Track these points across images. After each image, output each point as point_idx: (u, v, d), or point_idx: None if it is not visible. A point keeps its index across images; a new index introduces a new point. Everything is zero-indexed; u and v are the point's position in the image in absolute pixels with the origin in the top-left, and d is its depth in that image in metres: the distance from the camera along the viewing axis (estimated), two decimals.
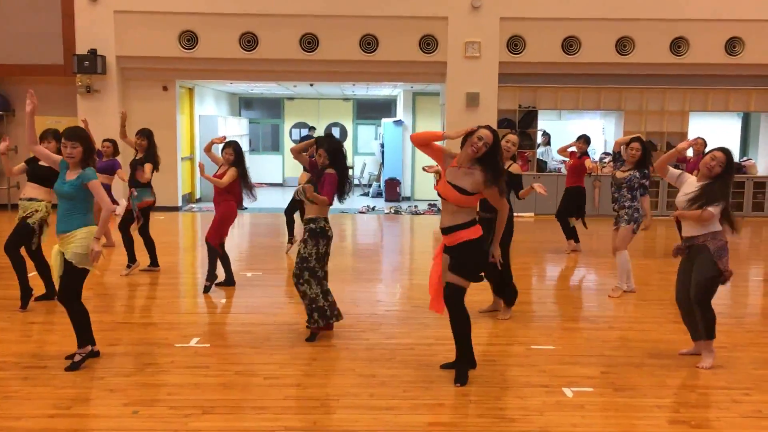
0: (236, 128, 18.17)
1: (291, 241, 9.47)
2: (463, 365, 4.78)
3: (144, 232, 8.06)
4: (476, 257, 4.68)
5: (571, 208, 9.73)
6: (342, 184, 5.61)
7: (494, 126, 13.49)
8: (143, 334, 5.82)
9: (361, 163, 19.53)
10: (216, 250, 7.29)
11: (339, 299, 7.01)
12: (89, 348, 5.00)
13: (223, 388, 4.65)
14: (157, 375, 4.86)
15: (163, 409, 4.25)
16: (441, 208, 4.77)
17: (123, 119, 8.42)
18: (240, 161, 7.23)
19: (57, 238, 4.89)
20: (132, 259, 8.06)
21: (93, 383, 4.68)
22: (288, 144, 20.71)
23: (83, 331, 4.96)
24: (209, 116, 16.38)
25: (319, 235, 5.53)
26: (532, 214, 13.80)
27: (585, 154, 9.67)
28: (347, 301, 6.75)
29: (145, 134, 8.10)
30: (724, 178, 4.98)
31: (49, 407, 4.26)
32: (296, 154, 6.13)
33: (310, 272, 5.53)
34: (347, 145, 20.62)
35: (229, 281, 7.45)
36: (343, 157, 5.66)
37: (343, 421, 4.13)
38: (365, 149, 20.36)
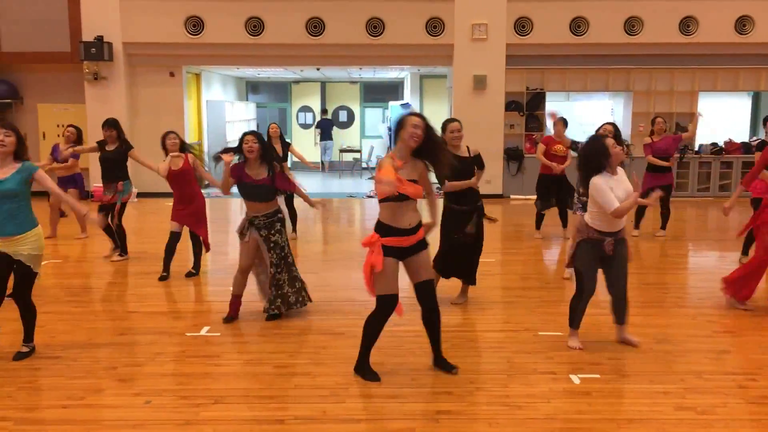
0: (243, 112, 18.18)
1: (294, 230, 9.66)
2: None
3: (119, 221, 8.18)
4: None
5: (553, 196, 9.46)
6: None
7: (502, 108, 13.56)
8: (153, 323, 5.89)
9: (368, 147, 19.50)
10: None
11: (346, 286, 7.11)
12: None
13: (234, 377, 4.71)
14: (167, 364, 4.93)
15: (174, 399, 4.31)
16: (396, 211, 4.42)
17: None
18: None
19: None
20: (116, 243, 8.25)
21: (105, 373, 4.74)
22: (295, 128, 20.69)
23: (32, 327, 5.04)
24: (216, 101, 16.39)
25: (283, 222, 5.89)
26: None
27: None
28: (355, 289, 6.79)
29: (112, 124, 8.10)
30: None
31: (62, 398, 4.33)
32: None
33: (285, 260, 5.84)
34: (355, 127, 20.62)
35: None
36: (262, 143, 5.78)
37: (352, 410, 4.18)
38: (372, 132, 20.34)
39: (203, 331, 5.61)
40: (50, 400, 4.31)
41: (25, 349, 5.01)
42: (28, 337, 5.04)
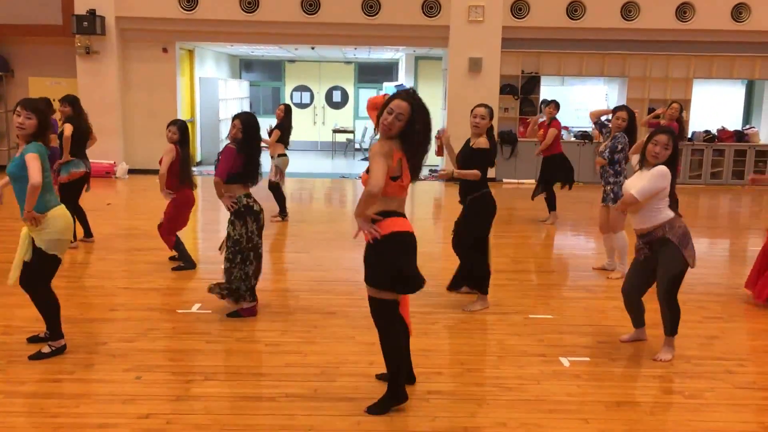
0: (236, 91, 18.06)
1: (283, 216, 9.33)
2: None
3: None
4: None
5: (554, 176, 9.57)
6: (249, 162, 5.35)
7: (497, 92, 13.51)
8: (144, 299, 5.87)
9: (362, 128, 19.43)
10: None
11: (338, 266, 7.10)
12: (62, 342, 4.61)
13: (225, 354, 4.71)
14: (158, 341, 4.92)
15: (165, 375, 4.32)
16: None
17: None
18: (183, 141, 6.69)
19: (23, 222, 4.42)
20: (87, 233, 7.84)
21: (96, 348, 4.74)
22: None
23: (53, 322, 4.57)
24: (209, 78, 16.26)
25: (245, 214, 5.30)
26: (533, 180, 13.78)
27: (554, 119, 9.51)
28: (347, 268, 6.81)
29: (69, 100, 7.64)
30: (672, 161, 4.56)
31: (53, 372, 4.33)
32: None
33: (242, 256, 5.33)
34: (348, 108, 20.52)
35: (190, 264, 6.94)
36: (255, 136, 5.45)
37: (343, 389, 4.19)
38: (366, 113, 20.24)
39: (194, 308, 5.60)
40: (41, 374, 4.30)
41: (46, 350, 4.56)
42: (54, 334, 4.59)
